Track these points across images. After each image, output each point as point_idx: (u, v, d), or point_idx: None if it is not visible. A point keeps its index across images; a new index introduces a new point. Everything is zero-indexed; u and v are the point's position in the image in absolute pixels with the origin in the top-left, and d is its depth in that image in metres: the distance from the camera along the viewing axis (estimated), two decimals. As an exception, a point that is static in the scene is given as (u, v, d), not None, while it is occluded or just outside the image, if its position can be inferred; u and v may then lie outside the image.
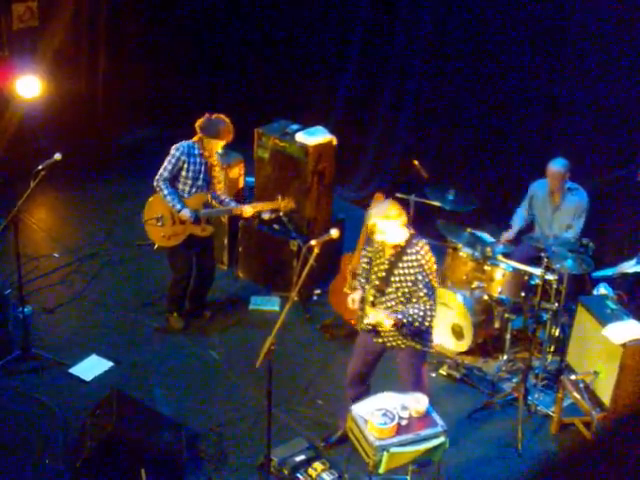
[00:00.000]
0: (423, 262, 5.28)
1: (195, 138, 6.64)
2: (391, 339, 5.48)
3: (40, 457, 5.71)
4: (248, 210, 6.84)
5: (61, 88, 9.25)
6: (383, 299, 5.42)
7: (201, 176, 6.69)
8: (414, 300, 5.31)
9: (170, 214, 6.73)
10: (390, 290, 5.38)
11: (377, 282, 5.43)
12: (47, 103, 9.06)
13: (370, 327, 5.48)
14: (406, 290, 5.33)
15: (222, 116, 6.64)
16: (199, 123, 6.60)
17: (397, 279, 5.34)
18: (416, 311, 5.26)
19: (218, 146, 6.67)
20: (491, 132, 8.20)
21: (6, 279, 7.35)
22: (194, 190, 6.70)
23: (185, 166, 6.60)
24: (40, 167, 6.30)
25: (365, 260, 5.60)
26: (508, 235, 7.23)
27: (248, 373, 6.51)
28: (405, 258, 5.30)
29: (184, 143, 6.64)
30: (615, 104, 7.32)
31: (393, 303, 5.38)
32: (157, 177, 6.63)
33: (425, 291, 5.27)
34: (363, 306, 5.49)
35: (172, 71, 10.19)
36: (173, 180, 6.67)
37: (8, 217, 6.41)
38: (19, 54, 8.81)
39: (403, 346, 5.48)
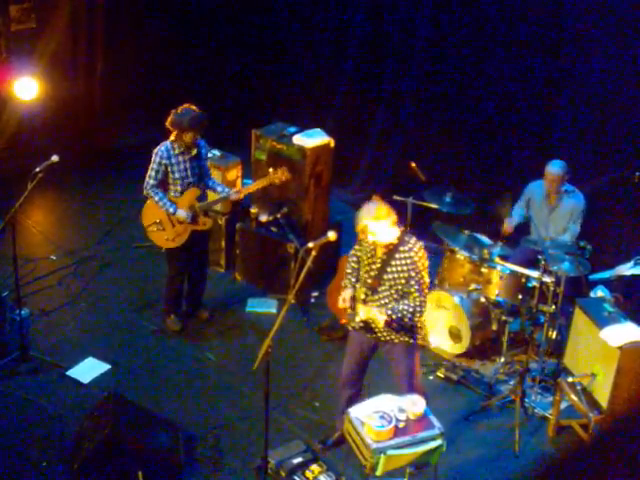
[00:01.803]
0: (416, 259, 5.31)
1: (172, 137, 6.55)
2: (385, 334, 5.50)
3: (37, 460, 5.70)
4: (242, 193, 6.87)
5: (59, 90, 9.25)
6: (375, 297, 5.44)
7: (189, 173, 6.64)
8: (405, 296, 5.34)
9: (168, 217, 6.72)
10: (383, 288, 5.40)
11: (369, 280, 5.44)
12: (45, 105, 9.06)
13: (362, 324, 5.49)
14: (399, 287, 5.35)
15: (188, 105, 6.48)
16: (168, 122, 6.48)
17: (390, 277, 5.36)
18: (406, 307, 5.31)
19: (196, 137, 6.52)
20: (489, 134, 8.21)
21: (3, 281, 7.34)
22: (186, 188, 6.68)
23: (169, 168, 6.57)
24: (37, 169, 6.29)
25: (354, 259, 5.62)
26: (510, 222, 7.17)
27: (245, 375, 6.51)
28: (398, 256, 5.33)
29: (162, 147, 6.57)
30: (614, 105, 7.33)
31: (386, 300, 5.40)
32: (145, 185, 6.62)
33: (416, 287, 5.31)
34: (354, 304, 5.50)
35: (170, 73, 10.19)
36: (163, 184, 6.65)
37: (5, 219, 6.41)
38: (17, 56, 8.80)
39: (396, 340, 5.50)
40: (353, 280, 5.60)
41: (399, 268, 5.33)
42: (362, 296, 5.48)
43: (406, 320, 5.35)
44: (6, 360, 6.53)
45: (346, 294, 5.52)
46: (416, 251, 5.33)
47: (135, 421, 5.77)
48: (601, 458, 2.26)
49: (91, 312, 7.37)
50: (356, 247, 5.62)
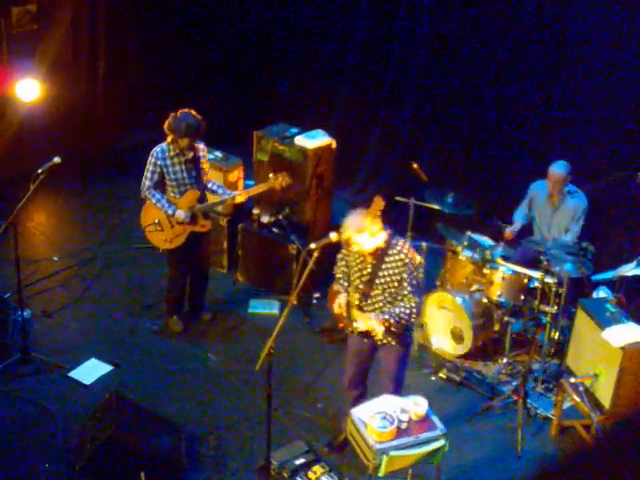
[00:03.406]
0: (407, 260, 5.29)
1: (168, 140, 6.54)
2: (381, 337, 5.49)
3: (40, 461, 5.71)
4: (241, 196, 6.88)
5: (60, 91, 9.25)
6: (369, 302, 5.43)
7: (185, 175, 6.62)
8: (399, 298, 5.33)
9: (167, 218, 6.72)
10: (376, 292, 5.39)
11: (362, 287, 5.42)
12: (46, 106, 9.05)
13: (359, 329, 5.48)
14: (392, 290, 5.34)
15: (188, 110, 6.47)
16: (166, 125, 6.47)
17: (382, 281, 5.34)
18: (402, 309, 5.29)
19: (191, 143, 6.51)
20: (491, 134, 8.20)
21: (5, 283, 7.34)
22: (184, 189, 6.67)
23: (165, 170, 6.56)
24: (39, 170, 6.29)
25: (343, 263, 5.59)
26: (513, 228, 7.19)
27: (247, 376, 6.51)
28: (387, 259, 5.31)
29: (157, 148, 6.56)
30: (615, 105, 7.32)
31: (380, 305, 5.40)
32: (141, 187, 6.62)
33: (409, 289, 5.28)
34: (349, 309, 5.48)
35: (171, 74, 10.19)
36: (161, 185, 6.64)
37: (7, 220, 6.41)
38: (18, 57, 8.81)
39: (394, 342, 5.50)
40: (345, 284, 5.58)
41: (391, 272, 5.31)
42: (356, 302, 5.47)
43: (403, 322, 5.33)
44: (9, 361, 6.53)
45: (341, 300, 5.47)
46: (406, 253, 5.30)
47: (137, 422, 5.77)
48: (604, 459, 2.26)
49: (93, 313, 7.37)
50: (343, 251, 5.57)
